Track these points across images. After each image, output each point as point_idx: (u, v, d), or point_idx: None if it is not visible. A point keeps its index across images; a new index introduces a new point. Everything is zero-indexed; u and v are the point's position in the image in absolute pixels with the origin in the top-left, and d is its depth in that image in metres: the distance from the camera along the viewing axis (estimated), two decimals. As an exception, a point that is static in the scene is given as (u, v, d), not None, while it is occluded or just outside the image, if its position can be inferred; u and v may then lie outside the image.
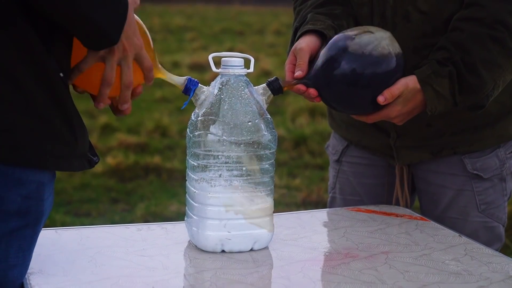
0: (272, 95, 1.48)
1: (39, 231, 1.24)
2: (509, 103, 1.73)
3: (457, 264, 1.40)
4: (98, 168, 4.69)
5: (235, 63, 1.43)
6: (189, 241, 1.49)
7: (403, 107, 1.55)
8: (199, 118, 1.42)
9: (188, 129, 1.44)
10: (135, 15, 1.30)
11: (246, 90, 1.43)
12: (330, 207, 1.95)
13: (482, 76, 1.55)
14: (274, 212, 1.49)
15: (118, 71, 1.26)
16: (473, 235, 1.67)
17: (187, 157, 1.45)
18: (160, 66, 1.42)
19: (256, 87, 1.47)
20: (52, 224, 3.60)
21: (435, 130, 1.73)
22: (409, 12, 1.65)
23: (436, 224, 1.65)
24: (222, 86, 1.43)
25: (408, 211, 1.75)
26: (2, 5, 1.12)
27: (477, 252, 1.47)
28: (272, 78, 1.50)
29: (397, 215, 1.71)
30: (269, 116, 1.44)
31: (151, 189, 4.50)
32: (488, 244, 1.63)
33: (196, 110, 1.44)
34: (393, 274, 1.34)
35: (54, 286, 1.27)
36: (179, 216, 3.65)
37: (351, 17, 1.71)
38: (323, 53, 1.54)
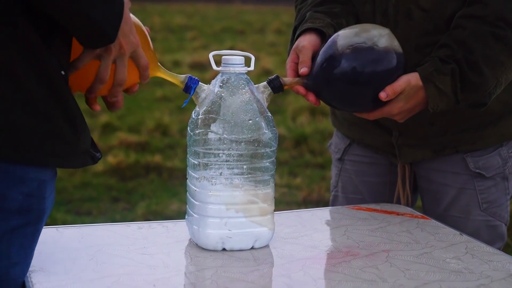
0: (272, 93, 1.48)
1: (41, 229, 1.24)
2: (512, 102, 1.73)
3: (458, 263, 1.40)
4: (99, 167, 4.69)
5: (235, 61, 1.43)
6: (190, 239, 1.49)
7: (404, 104, 1.55)
8: (200, 116, 1.42)
9: (188, 128, 1.44)
10: (133, 16, 1.30)
11: (247, 88, 1.43)
12: (332, 206, 1.94)
13: (484, 74, 1.55)
14: (275, 210, 1.49)
15: (112, 69, 1.26)
16: (475, 234, 1.67)
17: (188, 156, 1.46)
18: (160, 65, 1.42)
19: (256, 85, 1.47)
20: (53, 223, 3.60)
21: (437, 128, 1.73)
22: (411, 10, 1.65)
23: (437, 222, 1.65)
24: (223, 84, 1.43)
25: (409, 210, 1.75)
26: (2, 4, 1.12)
27: (478, 251, 1.47)
28: (272, 76, 1.50)
29: (398, 214, 1.71)
30: (269, 114, 1.44)
31: (152, 188, 4.50)
32: (490, 242, 1.63)
33: (197, 108, 1.44)
34: (394, 272, 1.34)
35: (55, 284, 1.27)
36: (180, 215, 3.65)
37: (351, 15, 1.71)
38: (322, 52, 1.54)
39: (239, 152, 1.41)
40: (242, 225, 1.43)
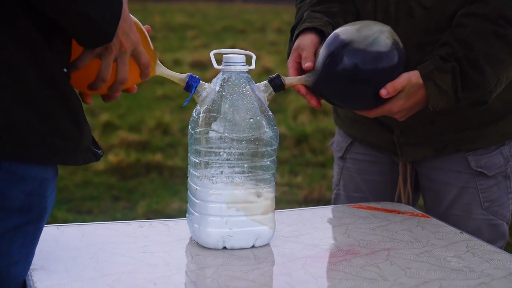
0: (273, 92, 1.48)
1: (42, 228, 1.25)
2: (514, 101, 1.73)
3: (459, 261, 1.40)
4: (100, 165, 4.69)
5: (236, 60, 1.43)
6: (190, 238, 1.49)
7: (405, 102, 1.55)
8: (201, 115, 1.42)
9: (189, 126, 1.44)
10: (131, 15, 1.30)
11: (248, 87, 1.43)
12: (334, 204, 1.94)
13: (485, 72, 1.55)
14: (275, 209, 1.49)
15: (113, 67, 1.26)
16: (477, 233, 1.67)
17: (189, 154, 1.46)
18: (160, 64, 1.42)
19: (257, 84, 1.47)
20: (54, 221, 3.60)
21: (439, 127, 1.73)
22: (412, 7, 1.65)
23: (438, 221, 1.65)
24: (224, 83, 1.43)
25: (409, 208, 1.75)
26: (3, 4, 1.12)
27: (478, 249, 1.47)
28: (273, 75, 1.50)
29: (398, 212, 1.71)
30: (270, 113, 1.44)
31: (152, 186, 4.50)
32: (491, 241, 1.63)
33: (198, 107, 1.44)
34: (395, 271, 1.34)
35: (56, 283, 1.27)
36: (181, 213, 3.65)
37: (350, 14, 1.71)
38: (323, 49, 1.54)
39: (240, 150, 1.41)
40: (243, 224, 1.43)
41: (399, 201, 1.84)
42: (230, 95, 1.42)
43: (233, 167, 1.42)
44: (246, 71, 1.45)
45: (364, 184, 1.90)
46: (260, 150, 1.42)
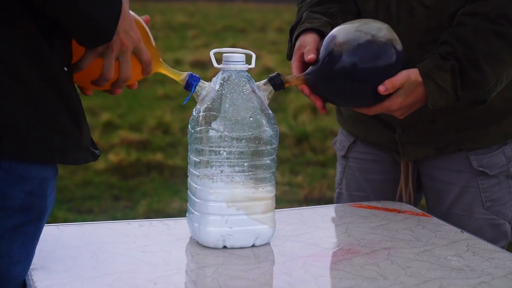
0: (273, 91, 1.48)
1: (42, 228, 1.24)
2: (516, 100, 1.73)
3: (459, 260, 1.40)
4: (100, 165, 4.69)
5: (236, 59, 1.43)
6: (190, 237, 1.49)
7: (404, 100, 1.55)
8: (201, 114, 1.42)
9: (189, 125, 1.44)
10: (132, 12, 1.30)
11: (248, 85, 1.43)
12: (336, 203, 1.94)
13: (484, 71, 1.55)
14: (276, 208, 1.49)
15: (116, 66, 1.26)
16: (479, 232, 1.67)
17: (189, 153, 1.45)
18: (162, 61, 1.42)
19: (257, 82, 1.47)
20: (54, 221, 3.60)
21: (440, 126, 1.73)
22: (413, 7, 1.65)
23: (439, 220, 1.65)
24: (224, 81, 1.43)
25: (410, 207, 1.75)
26: (3, 3, 1.12)
27: (479, 248, 1.47)
28: (273, 74, 1.50)
29: (399, 211, 1.71)
30: (270, 112, 1.44)
31: (153, 186, 4.50)
32: (493, 241, 1.62)
33: (198, 106, 1.44)
34: (395, 270, 1.34)
35: (56, 282, 1.27)
36: (181, 213, 3.65)
37: (349, 15, 1.71)
38: (322, 48, 1.54)
39: (240, 149, 1.40)
40: (243, 223, 1.43)
41: (401, 200, 1.84)
42: (230, 94, 1.41)
43: (233, 166, 1.41)
44: (246, 70, 1.45)
45: (367, 183, 1.90)
46: (260, 149, 1.42)
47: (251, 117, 1.41)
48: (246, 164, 1.42)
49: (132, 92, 6.08)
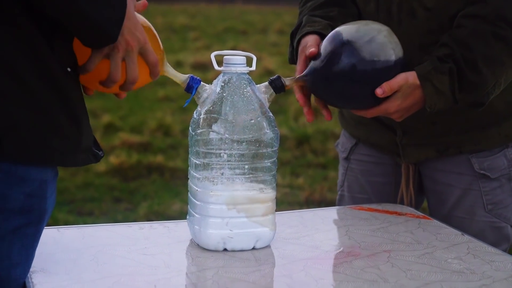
0: (274, 93, 1.48)
1: (42, 230, 1.24)
2: (516, 102, 1.73)
3: (460, 263, 1.40)
4: (101, 167, 4.69)
5: (237, 61, 1.43)
6: (191, 240, 1.49)
7: (402, 102, 1.55)
8: (201, 116, 1.42)
9: (190, 127, 1.44)
10: (141, 16, 1.30)
11: (248, 88, 1.43)
12: (338, 205, 1.94)
13: (483, 73, 1.55)
14: (276, 211, 1.49)
15: (123, 67, 1.26)
16: (480, 235, 1.67)
17: (189, 155, 1.45)
18: (167, 64, 1.42)
19: (258, 85, 1.47)
20: (55, 223, 3.60)
21: (441, 128, 1.73)
22: (414, 8, 1.65)
23: (439, 222, 1.65)
24: (224, 84, 1.43)
25: (410, 210, 1.75)
26: (3, 3, 1.12)
27: (480, 251, 1.47)
28: (274, 76, 1.50)
29: (399, 214, 1.70)
30: (271, 114, 1.44)
31: (154, 188, 4.50)
32: (495, 244, 1.62)
33: (198, 108, 1.44)
34: (396, 273, 1.34)
35: (56, 285, 1.27)
36: (182, 215, 3.64)
37: (350, 17, 1.71)
38: (321, 49, 1.54)
39: (241, 152, 1.40)
40: (244, 225, 1.43)
41: (402, 202, 1.83)
42: (231, 96, 1.41)
43: (234, 168, 1.41)
44: (247, 73, 1.45)
45: (368, 185, 1.90)
46: (261, 151, 1.42)
47: (251, 120, 1.41)
48: (246, 166, 1.41)
49: (133, 94, 6.09)
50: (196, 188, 1.44)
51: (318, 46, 1.57)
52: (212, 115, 1.41)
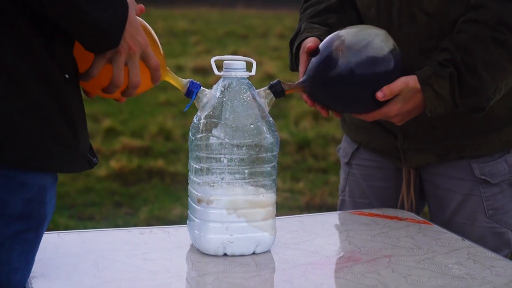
0: (274, 98, 1.48)
1: (42, 235, 1.24)
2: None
3: (460, 268, 1.39)
4: (102, 171, 4.69)
5: (237, 66, 1.43)
6: (191, 245, 1.49)
7: (402, 106, 1.55)
8: (202, 121, 1.42)
9: (190, 132, 1.44)
10: (142, 19, 1.30)
11: (248, 93, 1.43)
12: (340, 210, 1.94)
13: (483, 77, 1.55)
14: (277, 215, 1.49)
15: (125, 72, 1.26)
16: (481, 241, 1.66)
17: (190, 160, 1.45)
18: (168, 69, 1.42)
19: (258, 90, 1.47)
20: (56, 227, 3.61)
21: (441, 132, 1.73)
22: (415, 13, 1.65)
23: (439, 227, 1.65)
24: (224, 89, 1.43)
25: (411, 215, 1.75)
26: (3, 8, 1.12)
27: (480, 256, 1.46)
28: (274, 81, 1.50)
29: (400, 219, 1.70)
30: (271, 119, 1.44)
31: (154, 192, 4.50)
32: (496, 250, 1.62)
33: (199, 113, 1.44)
34: (396, 278, 1.34)
35: (56, 290, 1.27)
36: (183, 219, 3.64)
37: (349, 25, 1.71)
38: (319, 53, 1.54)
39: (241, 156, 1.40)
40: (244, 230, 1.43)
41: (403, 207, 1.83)
42: (231, 101, 1.41)
43: (234, 173, 1.41)
44: (247, 77, 1.45)
45: (370, 190, 1.89)
46: (261, 156, 1.42)
47: (251, 124, 1.41)
48: (246, 171, 1.41)
49: (134, 98, 6.07)
50: (196, 193, 1.44)
51: (317, 44, 1.57)
52: (212, 119, 1.41)
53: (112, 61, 1.23)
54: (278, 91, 1.48)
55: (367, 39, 1.51)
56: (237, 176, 1.41)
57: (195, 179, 1.44)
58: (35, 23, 1.15)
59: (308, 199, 4.32)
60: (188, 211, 1.49)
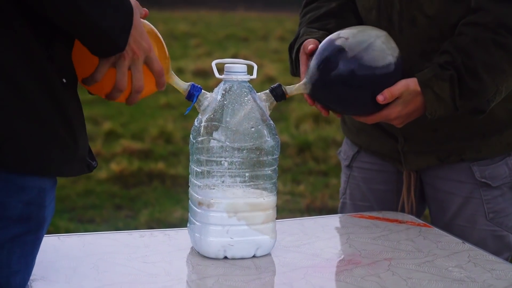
0: (275, 102, 1.48)
1: (42, 238, 1.24)
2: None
3: (460, 271, 1.39)
4: (102, 174, 4.69)
5: (238, 69, 1.44)
6: (191, 248, 1.49)
7: (403, 109, 1.55)
8: (202, 124, 1.42)
9: (191, 135, 1.44)
10: (148, 22, 1.30)
11: (249, 96, 1.43)
12: (340, 213, 1.94)
13: (483, 80, 1.55)
14: (278, 218, 1.49)
15: (129, 77, 1.26)
16: (482, 244, 1.66)
17: (190, 163, 1.45)
18: (172, 73, 1.42)
19: (259, 93, 1.47)
20: (56, 230, 3.60)
21: (442, 135, 1.73)
22: (415, 16, 1.65)
23: (440, 230, 1.65)
24: (225, 92, 1.43)
25: (411, 217, 1.75)
26: (1, 10, 1.12)
27: (480, 259, 1.46)
28: (275, 85, 1.50)
29: (400, 222, 1.70)
30: (271, 122, 1.44)
31: (155, 195, 4.50)
32: (496, 253, 1.62)
33: (199, 116, 1.44)
34: (396, 281, 1.34)
35: (56, 293, 1.27)
36: (183, 222, 3.64)
37: None
38: (318, 54, 1.54)
39: (241, 159, 1.40)
40: (244, 233, 1.43)
41: (403, 210, 1.83)
42: (232, 104, 1.42)
43: (235, 176, 1.41)
44: (248, 81, 1.45)
45: (370, 193, 1.89)
46: (261, 159, 1.42)
47: (252, 128, 1.41)
48: (247, 174, 1.41)
49: (134, 101, 6.06)
50: (197, 196, 1.44)
51: (318, 45, 1.58)
52: (213, 123, 1.41)
53: (116, 65, 1.23)
54: (279, 94, 1.48)
55: (368, 41, 1.51)
56: (238, 179, 1.41)
57: (195, 182, 1.44)
58: (33, 26, 1.15)
59: (308, 202, 4.32)
60: (189, 214, 1.49)
